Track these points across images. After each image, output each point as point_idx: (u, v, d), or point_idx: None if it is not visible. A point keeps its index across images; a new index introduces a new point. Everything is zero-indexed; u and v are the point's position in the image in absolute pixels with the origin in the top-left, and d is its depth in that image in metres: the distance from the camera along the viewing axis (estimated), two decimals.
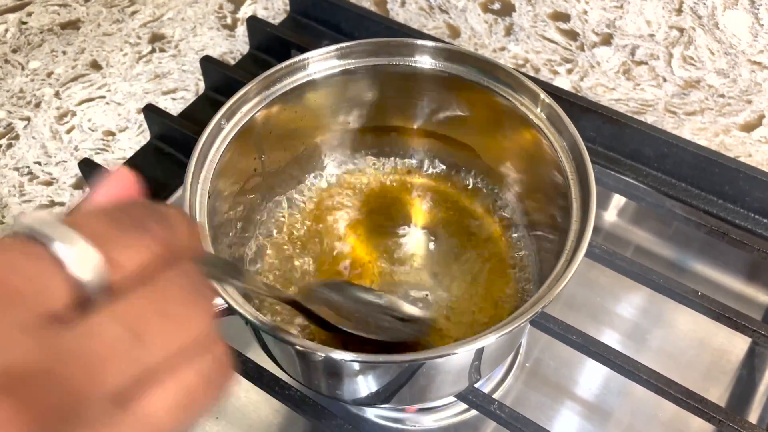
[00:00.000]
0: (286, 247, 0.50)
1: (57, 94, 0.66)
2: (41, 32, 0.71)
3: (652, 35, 0.59)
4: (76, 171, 0.60)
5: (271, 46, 0.67)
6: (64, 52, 0.69)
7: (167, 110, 0.62)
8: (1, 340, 0.17)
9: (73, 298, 0.18)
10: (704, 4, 0.55)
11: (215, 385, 0.21)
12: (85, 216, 0.20)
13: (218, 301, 0.36)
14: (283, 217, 0.51)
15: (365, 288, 0.46)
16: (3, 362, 0.17)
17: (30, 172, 0.61)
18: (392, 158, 0.54)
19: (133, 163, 0.61)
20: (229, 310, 0.36)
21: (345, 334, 0.39)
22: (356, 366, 0.37)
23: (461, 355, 0.36)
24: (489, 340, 0.35)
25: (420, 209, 0.52)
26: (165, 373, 0.19)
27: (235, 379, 0.21)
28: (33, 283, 0.18)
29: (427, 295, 0.47)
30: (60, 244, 0.18)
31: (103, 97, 0.66)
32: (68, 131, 0.63)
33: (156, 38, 0.71)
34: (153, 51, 0.70)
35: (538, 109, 0.44)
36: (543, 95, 0.44)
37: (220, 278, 0.31)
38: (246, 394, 0.49)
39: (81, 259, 0.18)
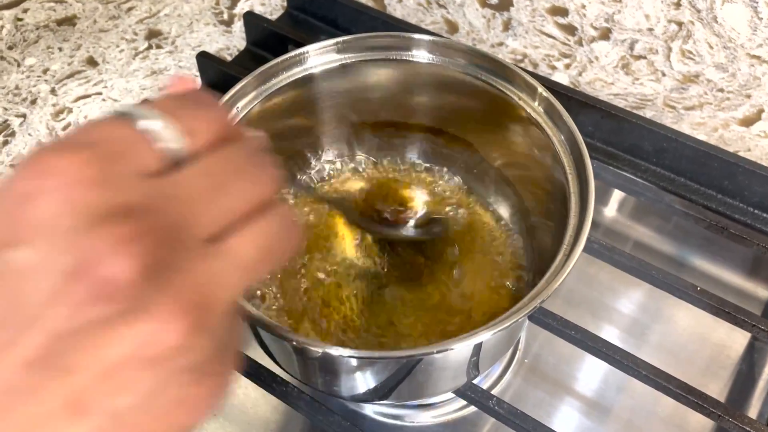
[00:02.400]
0: None
1: (53, 91, 0.66)
2: (37, 29, 0.71)
3: (650, 29, 0.59)
4: None
5: (268, 41, 0.66)
6: (60, 49, 0.69)
7: None
8: (112, 181, 0.20)
9: (164, 163, 0.21)
10: None
11: (287, 237, 0.24)
12: (161, 100, 0.23)
13: None
14: None
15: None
16: (116, 197, 0.20)
17: None
18: (390, 153, 0.54)
19: None
20: None
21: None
22: (353, 362, 0.37)
23: (459, 350, 0.36)
24: (486, 336, 0.35)
25: (417, 204, 0.52)
26: (248, 222, 0.22)
27: (300, 237, 0.25)
28: (128, 147, 0.21)
29: (424, 289, 0.47)
30: (144, 120, 0.21)
31: (100, 93, 0.66)
32: (64, 128, 0.63)
33: (152, 34, 0.71)
34: (149, 47, 0.70)
35: (536, 103, 0.44)
36: (540, 89, 0.44)
37: None
38: (244, 391, 0.49)
39: (163, 131, 0.21)
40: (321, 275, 0.48)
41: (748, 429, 0.43)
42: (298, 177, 0.52)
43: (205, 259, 0.21)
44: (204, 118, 0.23)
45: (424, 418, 0.48)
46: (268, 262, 0.23)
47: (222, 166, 0.22)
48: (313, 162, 0.52)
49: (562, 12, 0.62)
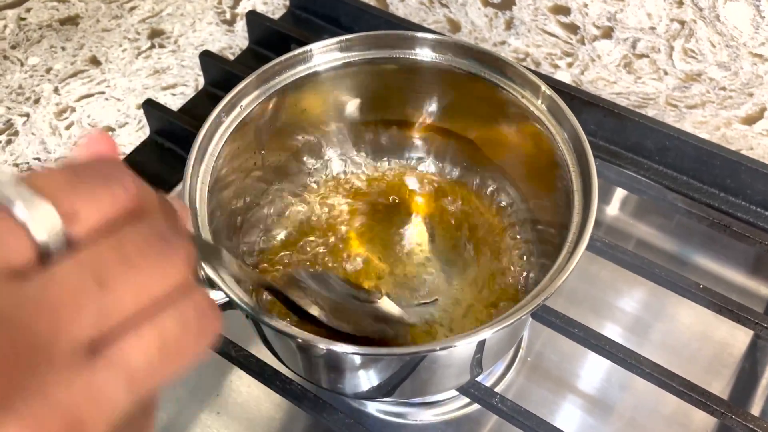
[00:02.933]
0: (286, 241, 0.50)
1: (56, 90, 0.66)
2: (40, 28, 0.71)
3: (653, 28, 0.59)
4: None
5: (271, 40, 0.67)
6: (63, 48, 0.69)
7: (167, 105, 0.62)
8: None
9: (36, 255, 0.18)
10: None
11: (198, 333, 0.20)
12: (49, 172, 0.19)
13: (218, 294, 0.36)
14: (284, 211, 0.51)
15: (347, 281, 0.46)
16: None
17: (29, 169, 0.60)
18: (393, 151, 0.54)
19: (132, 158, 0.61)
20: (230, 304, 0.36)
21: (320, 325, 0.39)
22: (357, 359, 0.37)
23: (462, 348, 0.36)
24: (489, 333, 0.35)
25: (421, 202, 0.52)
26: (140, 322, 0.19)
27: (220, 329, 0.21)
28: None
29: (427, 289, 0.47)
30: (19, 205, 0.18)
31: (103, 92, 0.66)
32: (67, 127, 0.63)
33: (155, 34, 0.71)
34: (152, 46, 0.70)
35: (539, 101, 0.44)
36: (544, 87, 0.44)
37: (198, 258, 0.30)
38: (247, 389, 0.49)
39: (40, 218, 0.18)
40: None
41: (751, 426, 0.43)
42: (302, 177, 0.52)
43: (80, 372, 0.18)
44: (98, 194, 0.19)
45: (428, 415, 0.48)
46: (168, 365, 0.19)
47: (108, 255, 0.19)
48: (316, 160, 0.53)
49: (565, 11, 0.62)
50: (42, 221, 0.18)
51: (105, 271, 0.18)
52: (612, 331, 0.52)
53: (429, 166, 0.53)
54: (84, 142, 0.22)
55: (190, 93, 0.66)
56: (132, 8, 0.73)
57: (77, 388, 0.17)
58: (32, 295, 0.17)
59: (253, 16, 0.67)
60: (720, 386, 0.50)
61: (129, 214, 0.20)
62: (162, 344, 0.19)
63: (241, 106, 0.44)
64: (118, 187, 0.20)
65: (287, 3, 0.73)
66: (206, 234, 0.39)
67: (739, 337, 0.52)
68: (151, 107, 0.60)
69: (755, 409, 0.49)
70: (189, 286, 0.20)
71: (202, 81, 0.66)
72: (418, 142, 0.53)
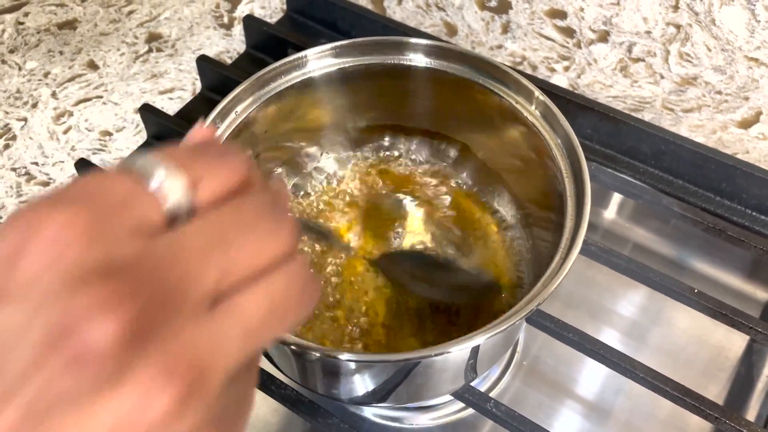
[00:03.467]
0: None
1: (54, 95, 0.66)
2: (38, 32, 0.71)
3: (648, 32, 0.59)
4: (73, 171, 0.60)
5: (268, 45, 0.67)
6: (61, 52, 0.69)
7: (164, 110, 0.62)
8: (103, 239, 0.18)
9: (166, 218, 0.20)
10: (701, 0, 0.55)
11: (301, 297, 0.22)
12: (174, 149, 0.22)
13: None
14: None
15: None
16: (106, 255, 0.18)
17: (27, 173, 0.61)
18: (387, 157, 0.54)
19: None
20: None
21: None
22: (351, 365, 0.37)
23: (456, 353, 0.36)
24: (483, 338, 0.35)
25: (416, 207, 0.52)
26: (255, 281, 0.20)
27: (319, 296, 0.24)
28: (130, 200, 0.20)
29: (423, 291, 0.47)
30: (147, 172, 0.20)
31: (100, 97, 0.66)
32: (65, 131, 0.63)
33: (153, 38, 0.71)
34: (150, 51, 0.70)
35: (533, 107, 0.44)
36: (537, 92, 0.44)
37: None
38: None
39: (167, 183, 0.20)
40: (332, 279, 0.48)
41: (745, 431, 0.43)
42: (298, 182, 0.52)
43: (203, 322, 0.19)
44: (215, 168, 0.21)
45: (423, 420, 0.49)
46: (277, 324, 0.21)
47: (229, 220, 0.21)
48: (312, 165, 0.53)
49: (561, 15, 0.62)
50: (172, 188, 0.20)
51: (227, 233, 0.20)
52: (608, 335, 0.52)
53: (423, 171, 0.54)
54: (190, 134, 0.24)
55: (188, 97, 0.66)
56: (130, 12, 0.73)
57: (201, 337, 0.19)
58: (166, 251, 0.19)
59: (250, 21, 0.67)
60: (716, 390, 0.50)
61: (242, 186, 0.22)
62: (272, 303, 0.21)
63: (236, 112, 0.44)
64: (233, 162, 0.22)
65: (284, 7, 0.73)
66: None
67: (735, 341, 0.52)
68: (148, 112, 0.60)
69: (751, 413, 0.49)
70: (294, 254, 0.22)
71: (199, 85, 0.66)
72: (411, 147, 0.53)
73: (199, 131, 0.24)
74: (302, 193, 0.52)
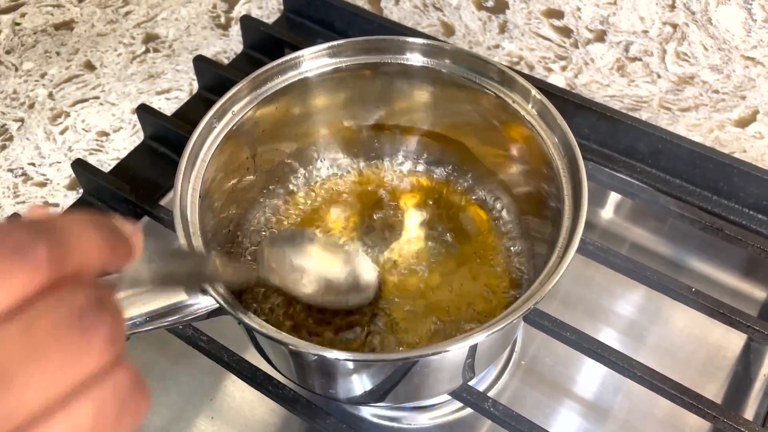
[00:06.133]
0: None
1: (51, 95, 0.66)
2: (35, 33, 0.71)
3: (645, 31, 0.59)
4: (70, 172, 0.60)
5: (265, 45, 0.67)
6: (57, 53, 0.69)
7: (161, 110, 0.62)
8: None
9: None
10: None
11: (117, 420, 0.19)
12: None
13: (209, 301, 0.36)
14: (276, 216, 0.51)
15: (329, 242, 0.47)
16: None
17: (24, 174, 0.61)
18: (384, 156, 0.54)
19: (126, 163, 0.61)
20: (221, 310, 0.36)
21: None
22: (349, 365, 0.37)
23: (454, 352, 0.36)
24: (481, 338, 0.35)
25: (413, 206, 0.52)
26: (50, 417, 0.17)
27: (150, 401, 0.20)
28: None
29: (420, 291, 0.47)
30: None
31: (97, 97, 0.66)
32: (62, 132, 0.63)
33: (150, 38, 0.71)
34: (147, 51, 0.70)
35: (530, 106, 0.44)
36: (534, 92, 0.44)
37: (170, 278, 0.29)
38: (241, 393, 0.49)
39: None
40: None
41: (743, 430, 0.43)
42: (294, 182, 0.52)
43: None
44: (8, 271, 0.17)
45: (421, 419, 0.49)
46: None
47: (15, 346, 0.17)
48: (308, 165, 0.53)
49: (558, 14, 0.62)
50: None
51: (9, 365, 0.17)
52: (607, 334, 0.52)
53: (420, 170, 0.53)
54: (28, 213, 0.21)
55: (185, 97, 0.66)
56: (127, 13, 0.73)
57: None
58: None
59: (247, 21, 0.67)
60: (714, 389, 0.50)
61: (45, 287, 0.18)
62: None
63: (233, 112, 0.44)
64: (30, 260, 0.17)
65: (281, 7, 0.73)
66: (196, 240, 0.39)
67: (733, 341, 0.52)
68: (145, 112, 0.60)
69: (749, 412, 0.49)
70: (109, 366, 0.18)
71: (196, 85, 0.66)
72: (409, 146, 0.53)
73: (35, 209, 0.21)
74: (298, 192, 0.52)
